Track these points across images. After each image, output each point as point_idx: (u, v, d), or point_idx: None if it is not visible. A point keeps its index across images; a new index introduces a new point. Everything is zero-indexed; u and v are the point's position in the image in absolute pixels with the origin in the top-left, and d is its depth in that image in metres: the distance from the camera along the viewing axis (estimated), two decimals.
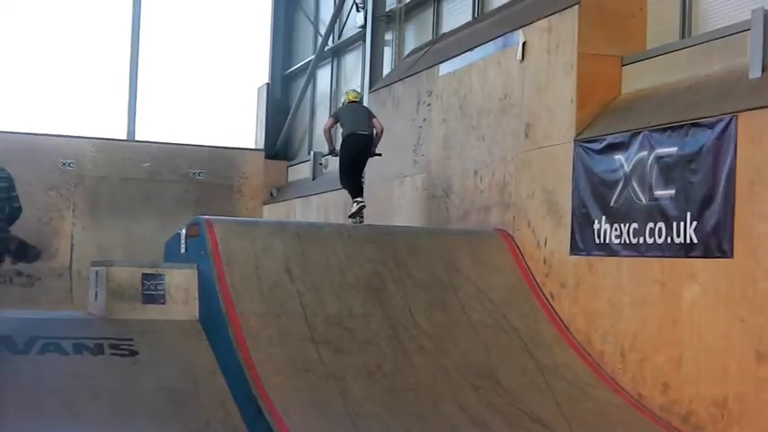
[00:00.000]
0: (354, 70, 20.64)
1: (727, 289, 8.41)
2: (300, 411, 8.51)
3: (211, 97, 24.03)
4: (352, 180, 13.48)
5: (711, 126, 8.63)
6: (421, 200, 14.00)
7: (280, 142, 23.46)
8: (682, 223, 8.88)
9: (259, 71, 24.58)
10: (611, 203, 9.88)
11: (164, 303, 10.27)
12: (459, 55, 13.33)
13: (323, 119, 21.91)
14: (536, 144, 11.29)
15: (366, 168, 13.91)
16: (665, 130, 9.23)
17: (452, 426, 8.62)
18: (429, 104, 13.96)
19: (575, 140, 10.55)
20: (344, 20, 20.92)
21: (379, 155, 13.61)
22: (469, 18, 15.32)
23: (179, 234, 11.33)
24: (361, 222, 12.93)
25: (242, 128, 24.44)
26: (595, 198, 10.14)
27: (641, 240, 9.41)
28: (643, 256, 9.40)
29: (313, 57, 21.99)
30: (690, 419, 8.67)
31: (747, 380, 8.14)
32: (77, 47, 22.95)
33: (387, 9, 18.16)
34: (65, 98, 22.87)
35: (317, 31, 22.66)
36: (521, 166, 11.55)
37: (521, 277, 11.09)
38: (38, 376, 8.84)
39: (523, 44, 11.62)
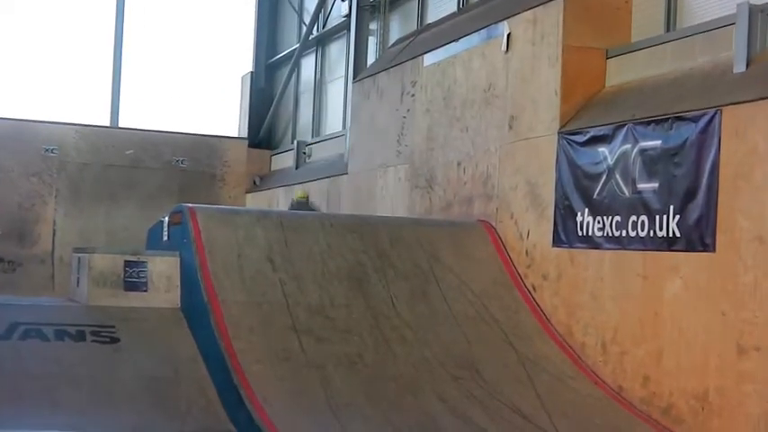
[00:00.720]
0: (339, 59, 20.61)
1: (709, 283, 8.44)
2: (281, 400, 8.51)
3: (195, 85, 23.94)
4: None
5: (695, 120, 8.64)
6: (404, 190, 14.00)
7: (263, 131, 23.41)
8: (664, 217, 8.90)
9: (243, 59, 24.51)
10: (595, 196, 9.89)
11: (146, 291, 10.25)
12: (443, 46, 13.32)
13: (307, 108, 21.96)
14: (520, 136, 11.29)
15: (349, 158, 13.88)
16: (648, 123, 9.25)
17: (432, 416, 8.64)
18: (413, 95, 13.95)
19: (558, 132, 10.56)
20: (329, 9, 20.86)
21: None
22: (455, 9, 15.30)
23: (162, 222, 11.30)
24: None
25: (225, 116, 24.39)
26: (578, 190, 10.15)
27: (624, 233, 9.43)
28: (625, 249, 9.42)
29: (297, 46, 21.93)
30: (670, 412, 8.71)
31: (728, 373, 8.17)
32: (61, 33, 22.83)
33: None
34: (48, 84, 22.76)
35: (301, 20, 22.59)
36: (504, 157, 11.55)
37: (503, 269, 11.11)
38: (18, 362, 8.81)
39: (508, 35, 11.61)
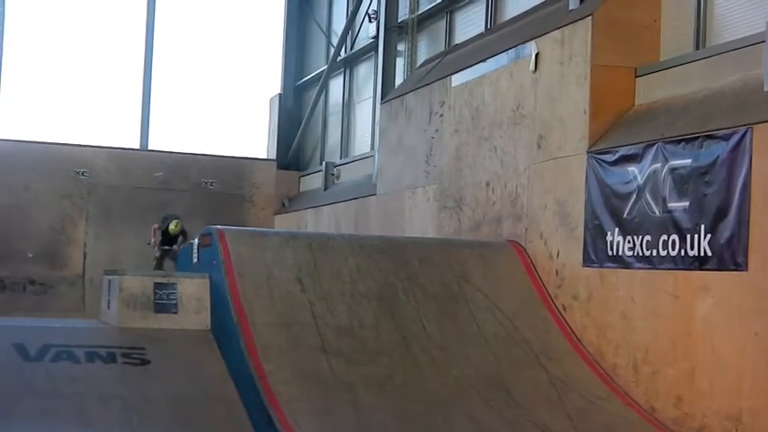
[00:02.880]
0: (366, 81, 20.65)
1: (741, 302, 8.37)
2: (311, 421, 8.50)
3: (224, 107, 24.04)
4: None
5: (726, 138, 8.60)
6: (432, 211, 13.98)
7: (291, 152, 23.47)
8: (696, 235, 8.85)
9: (271, 81, 24.59)
10: (625, 215, 9.84)
11: (176, 312, 10.27)
12: (471, 66, 13.33)
13: (335, 129, 21.99)
14: (548, 155, 11.26)
15: (377, 179, 13.84)
16: (678, 141, 9.20)
17: None
18: (441, 115, 13.95)
19: (588, 152, 10.53)
20: (357, 30, 20.92)
21: None
22: (482, 29, 15.30)
23: (191, 244, 11.34)
24: None
25: (254, 138, 24.45)
26: (608, 210, 10.11)
27: (654, 253, 9.37)
28: (656, 269, 9.36)
29: (325, 67, 21.99)
30: None
31: (762, 394, 8.09)
32: (92, 57, 22.99)
33: (399, 20, 18.14)
34: (79, 108, 22.91)
35: (329, 42, 22.67)
36: (533, 177, 11.53)
37: (532, 289, 11.07)
38: (50, 383, 8.84)
39: (536, 55, 11.60)
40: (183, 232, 12.66)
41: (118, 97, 23.26)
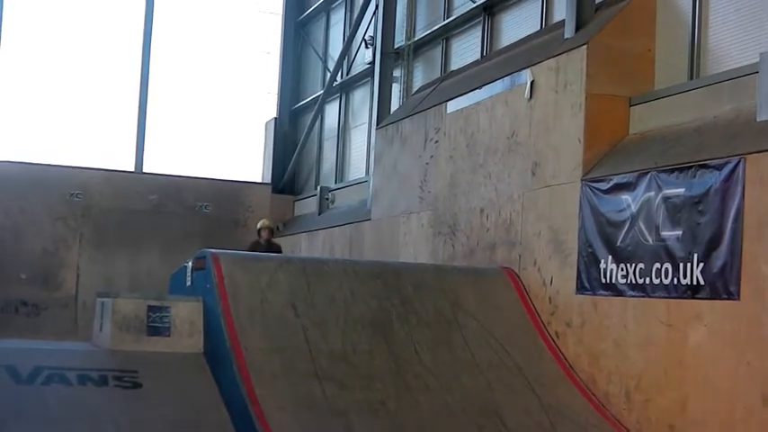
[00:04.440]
0: (362, 106, 20.71)
1: (734, 331, 8.39)
2: None
3: (219, 131, 24.08)
4: None
5: (719, 168, 8.64)
6: (427, 237, 14.01)
7: (286, 177, 23.51)
8: (688, 264, 8.88)
9: (267, 105, 24.66)
10: (618, 243, 9.87)
11: (169, 336, 10.25)
12: (467, 93, 13.38)
13: (330, 154, 22.04)
14: (543, 183, 11.30)
15: (372, 204, 13.91)
16: (672, 170, 9.25)
17: None
18: (436, 141, 14.00)
19: (582, 180, 10.57)
20: (353, 56, 21.01)
21: None
22: (478, 56, 15.38)
23: (185, 267, 11.34)
24: None
25: (249, 162, 24.49)
26: (602, 238, 10.14)
27: (647, 281, 9.40)
28: (649, 297, 9.38)
29: (321, 92, 22.07)
30: None
31: (753, 423, 8.10)
32: (87, 78, 23.04)
33: (395, 46, 18.22)
34: (73, 129, 22.93)
35: (325, 67, 22.75)
36: (527, 204, 11.56)
37: (526, 316, 11.08)
38: (41, 406, 8.81)
39: (531, 83, 11.66)
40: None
41: (113, 119, 23.28)
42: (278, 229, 22.38)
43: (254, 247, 15.31)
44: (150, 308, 10.35)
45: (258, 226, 16.18)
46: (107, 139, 23.16)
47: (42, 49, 22.95)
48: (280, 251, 15.78)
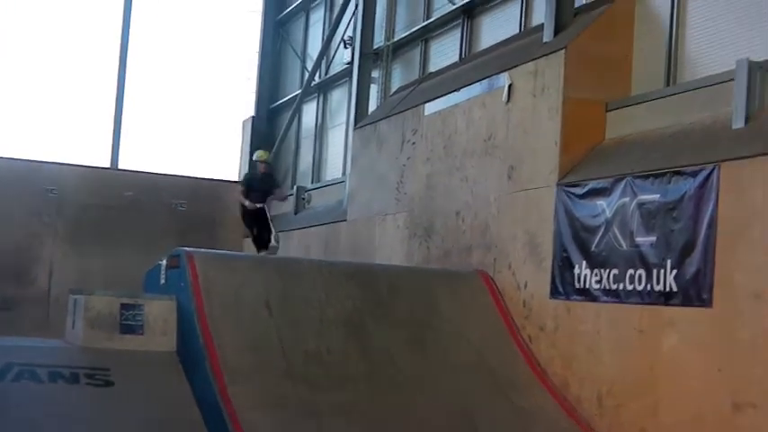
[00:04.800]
0: (340, 106, 20.70)
1: (706, 338, 8.42)
2: None
3: (196, 129, 24.01)
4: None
5: (694, 174, 8.67)
6: (402, 238, 14.00)
7: None
8: (662, 271, 8.90)
9: (245, 104, 24.61)
10: (592, 248, 9.90)
11: (142, 334, 10.20)
12: (444, 95, 13.39)
13: (307, 154, 21.99)
14: (519, 186, 11.31)
15: (348, 205, 13.97)
16: (647, 176, 9.27)
17: None
18: (413, 143, 13.99)
19: (557, 184, 10.59)
20: (332, 56, 20.99)
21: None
22: (456, 59, 15.39)
23: (159, 265, 11.28)
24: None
25: (226, 160, 24.43)
26: (577, 242, 10.16)
27: (621, 287, 9.42)
28: (622, 303, 9.41)
29: (299, 91, 22.03)
30: None
31: (723, 429, 8.13)
32: (64, 74, 22.93)
33: (374, 47, 18.22)
34: (49, 125, 22.81)
35: (304, 66, 22.72)
36: (503, 207, 11.57)
37: (500, 319, 11.09)
38: (11, 404, 8.75)
39: (509, 86, 11.67)
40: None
41: (90, 116, 23.18)
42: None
43: (251, 179, 15.24)
44: (123, 305, 10.30)
45: (254, 158, 16.03)
46: (83, 136, 23.05)
47: (19, 45, 22.82)
48: (276, 183, 15.69)
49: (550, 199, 10.66)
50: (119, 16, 23.39)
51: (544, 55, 11.18)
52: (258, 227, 14.67)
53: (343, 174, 18.69)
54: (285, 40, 24.15)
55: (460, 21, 15.53)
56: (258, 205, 14.52)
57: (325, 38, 21.09)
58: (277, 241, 14.26)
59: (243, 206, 14.80)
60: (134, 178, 21.97)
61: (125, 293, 10.70)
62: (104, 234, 21.06)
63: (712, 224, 8.42)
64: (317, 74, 21.55)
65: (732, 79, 8.78)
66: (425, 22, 16.78)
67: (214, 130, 24.39)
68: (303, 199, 20.43)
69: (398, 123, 14.61)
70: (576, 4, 11.63)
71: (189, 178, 22.51)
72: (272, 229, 14.42)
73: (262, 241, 14.55)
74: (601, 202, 9.86)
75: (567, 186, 10.45)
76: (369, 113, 17.45)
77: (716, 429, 8.22)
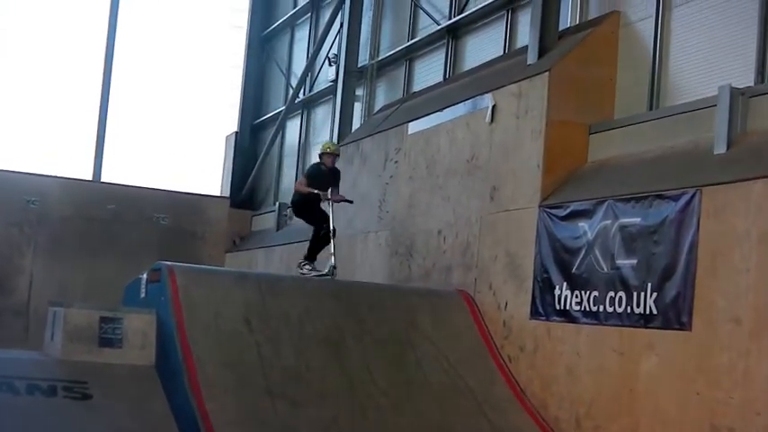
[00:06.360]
0: (324, 123, 20.71)
1: (685, 361, 8.45)
2: None
3: (179, 143, 24.02)
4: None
5: (675, 198, 8.72)
6: (384, 256, 14.01)
7: (245, 191, 23.42)
8: (642, 294, 8.94)
9: (228, 119, 24.62)
10: (573, 270, 9.93)
11: (120, 347, 10.15)
12: (428, 114, 13.42)
13: (290, 170, 21.98)
14: (501, 207, 11.35)
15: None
16: (629, 200, 9.32)
17: None
18: (396, 162, 14.02)
19: (539, 206, 10.62)
20: (316, 73, 21.02)
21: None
22: (441, 78, 15.44)
23: (140, 279, 11.25)
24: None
25: (208, 175, 24.42)
26: (557, 264, 10.19)
27: (601, 309, 9.45)
28: (602, 325, 9.44)
29: (283, 108, 22.04)
30: None
31: None
32: (48, 86, 22.92)
33: (359, 65, 18.27)
34: (32, 136, 22.77)
35: (288, 83, 22.74)
36: (485, 228, 11.60)
37: (480, 339, 11.10)
38: None
39: (493, 107, 11.72)
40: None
41: (73, 128, 23.15)
42: (235, 243, 22.30)
43: (317, 171, 13.34)
44: (103, 319, 10.25)
45: (320, 151, 13.61)
46: (65, 147, 23.02)
47: (3, 56, 22.78)
48: (339, 177, 13.52)
49: (532, 220, 10.69)
50: (103, 29, 23.36)
51: (528, 77, 11.23)
52: (317, 217, 13.14)
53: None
54: (270, 56, 24.18)
55: (445, 41, 15.59)
56: (322, 193, 12.90)
57: (309, 55, 21.13)
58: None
59: (301, 195, 13.16)
60: (116, 191, 21.89)
61: (105, 306, 10.63)
62: (85, 246, 20.97)
63: (693, 248, 8.46)
64: (302, 90, 21.57)
65: (714, 105, 8.85)
66: (410, 42, 16.83)
67: (197, 145, 24.38)
68: (285, 215, 20.40)
69: (382, 142, 14.63)
70: (561, 27, 11.70)
71: (171, 192, 22.45)
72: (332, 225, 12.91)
73: (322, 235, 13.03)
74: (582, 225, 9.90)
75: (548, 208, 10.48)
76: (352, 131, 17.47)
77: None
